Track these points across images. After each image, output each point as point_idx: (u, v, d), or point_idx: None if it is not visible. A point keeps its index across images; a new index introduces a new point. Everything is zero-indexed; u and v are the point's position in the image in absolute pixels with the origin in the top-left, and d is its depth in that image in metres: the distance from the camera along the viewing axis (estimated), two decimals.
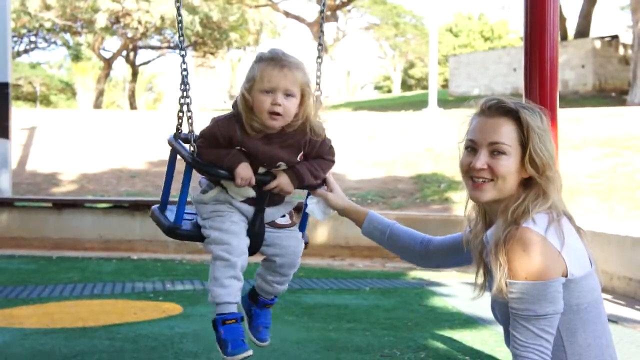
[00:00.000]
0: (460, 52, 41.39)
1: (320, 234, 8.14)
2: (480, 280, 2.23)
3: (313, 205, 2.59)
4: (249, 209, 2.49)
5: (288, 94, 2.36)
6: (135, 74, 40.79)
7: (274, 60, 2.37)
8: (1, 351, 3.90)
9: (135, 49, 38.71)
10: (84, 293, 5.77)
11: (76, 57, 40.47)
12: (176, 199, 2.54)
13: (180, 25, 2.61)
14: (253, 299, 2.71)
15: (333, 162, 2.55)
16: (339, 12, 34.68)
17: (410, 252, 2.56)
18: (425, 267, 2.70)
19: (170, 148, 2.59)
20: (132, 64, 40.11)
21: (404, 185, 11.30)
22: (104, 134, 15.10)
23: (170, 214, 2.59)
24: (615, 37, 26.13)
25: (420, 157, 12.69)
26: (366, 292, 6.01)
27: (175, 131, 2.57)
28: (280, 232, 2.58)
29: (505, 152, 2.10)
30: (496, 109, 2.15)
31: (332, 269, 7.40)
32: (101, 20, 31.07)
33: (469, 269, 2.42)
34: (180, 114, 2.51)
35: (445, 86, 37.83)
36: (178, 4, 2.61)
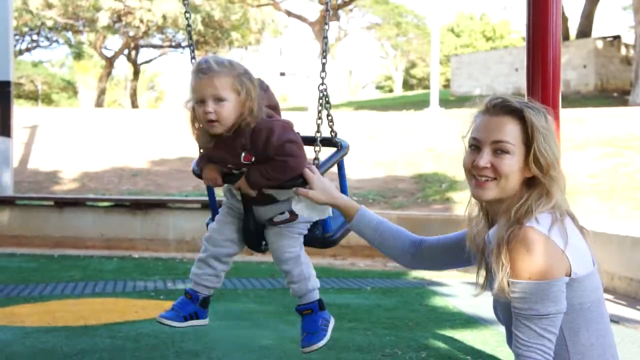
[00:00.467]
0: (462, 52, 41.37)
1: None
2: (481, 279, 2.22)
3: (298, 206, 2.52)
4: (241, 208, 2.60)
5: (218, 99, 2.34)
6: (137, 72, 40.82)
7: (197, 70, 2.37)
8: (2, 349, 3.90)
9: (137, 48, 38.75)
10: (85, 291, 5.78)
11: (78, 55, 40.52)
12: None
13: (189, 28, 2.88)
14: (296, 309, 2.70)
15: (285, 162, 2.39)
16: (340, 12, 34.64)
17: (400, 251, 2.47)
18: (415, 268, 2.62)
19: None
20: (134, 63, 40.14)
21: (405, 185, 11.29)
22: (105, 132, 15.10)
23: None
24: (617, 37, 26.11)
25: (421, 157, 12.69)
26: (367, 291, 6.01)
27: None
28: (274, 230, 2.58)
29: (509, 151, 2.09)
30: (501, 107, 2.14)
31: (333, 268, 7.40)
32: (103, 18, 31.09)
33: (469, 268, 2.40)
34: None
35: (446, 86, 37.82)
36: (187, 15, 2.81)
